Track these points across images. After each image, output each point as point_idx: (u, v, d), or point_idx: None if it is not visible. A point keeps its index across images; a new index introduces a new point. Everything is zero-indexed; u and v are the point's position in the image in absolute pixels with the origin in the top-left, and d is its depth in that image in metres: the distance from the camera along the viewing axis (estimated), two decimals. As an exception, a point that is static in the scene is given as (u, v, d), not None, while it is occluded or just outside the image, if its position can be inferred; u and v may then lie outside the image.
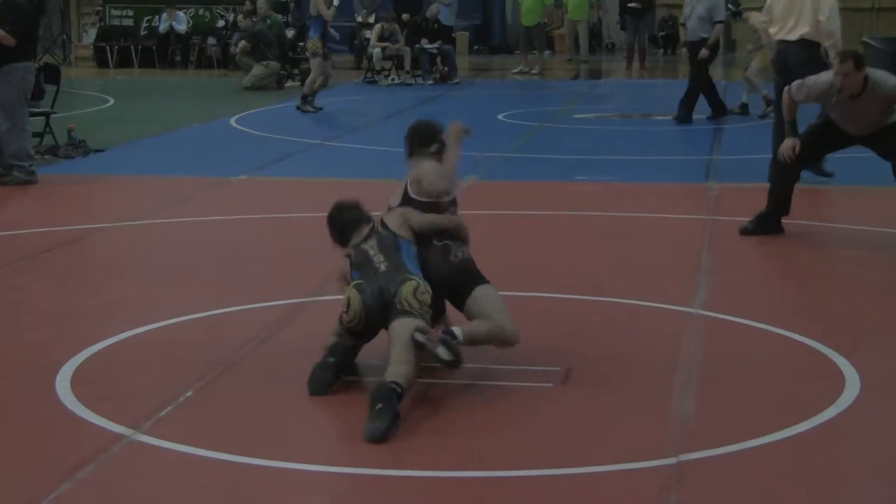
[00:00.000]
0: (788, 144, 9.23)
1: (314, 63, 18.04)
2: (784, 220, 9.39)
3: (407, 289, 5.89)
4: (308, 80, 18.21)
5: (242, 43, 23.24)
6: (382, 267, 6.01)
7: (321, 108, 17.94)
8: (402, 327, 5.77)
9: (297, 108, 18.01)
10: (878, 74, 9.02)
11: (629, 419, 5.59)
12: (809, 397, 5.82)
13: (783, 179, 9.36)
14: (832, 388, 5.90)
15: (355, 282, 6.00)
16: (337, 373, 5.91)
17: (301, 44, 24.49)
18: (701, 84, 16.42)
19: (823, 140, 9.39)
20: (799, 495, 4.83)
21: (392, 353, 5.75)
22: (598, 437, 5.40)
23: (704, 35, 16.14)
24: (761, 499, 4.77)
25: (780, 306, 7.71)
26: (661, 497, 4.72)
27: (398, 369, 5.62)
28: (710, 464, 5.02)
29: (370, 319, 5.92)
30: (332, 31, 21.49)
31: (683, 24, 16.72)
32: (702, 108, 16.43)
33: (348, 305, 5.93)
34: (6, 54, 11.62)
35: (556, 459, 5.12)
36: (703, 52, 16.01)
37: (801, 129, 9.34)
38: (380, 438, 5.27)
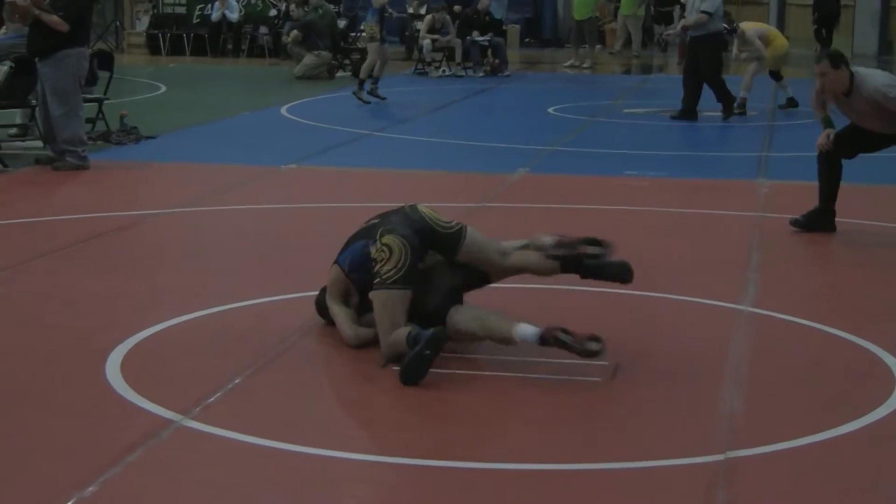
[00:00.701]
0: (822, 135, 9.30)
1: (371, 47, 18.08)
2: (836, 219, 9.32)
3: (423, 208, 6.22)
4: (364, 66, 18.23)
5: (294, 32, 23.33)
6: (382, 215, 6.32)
7: (370, 103, 17.91)
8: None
9: (354, 93, 18.05)
10: (864, 72, 9.05)
11: (677, 415, 5.57)
12: (859, 397, 5.78)
13: (825, 172, 9.34)
14: (882, 388, 5.85)
15: (381, 228, 6.14)
16: (431, 364, 5.77)
17: (352, 34, 24.55)
18: (687, 79, 16.41)
19: (853, 138, 9.33)
20: (846, 495, 4.79)
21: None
22: (645, 433, 5.38)
23: (704, 32, 16.10)
24: (809, 497, 4.74)
25: (830, 305, 7.65)
26: (709, 493, 4.70)
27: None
28: (758, 461, 4.99)
29: (414, 251, 6.03)
30: (391, 10, 21.51)
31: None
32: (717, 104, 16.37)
33: (389, 251, 6.01)
34: (60, 40, 11.71)
35: (604, 454, 5.11)
36: (673, 32, 16.07)
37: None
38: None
